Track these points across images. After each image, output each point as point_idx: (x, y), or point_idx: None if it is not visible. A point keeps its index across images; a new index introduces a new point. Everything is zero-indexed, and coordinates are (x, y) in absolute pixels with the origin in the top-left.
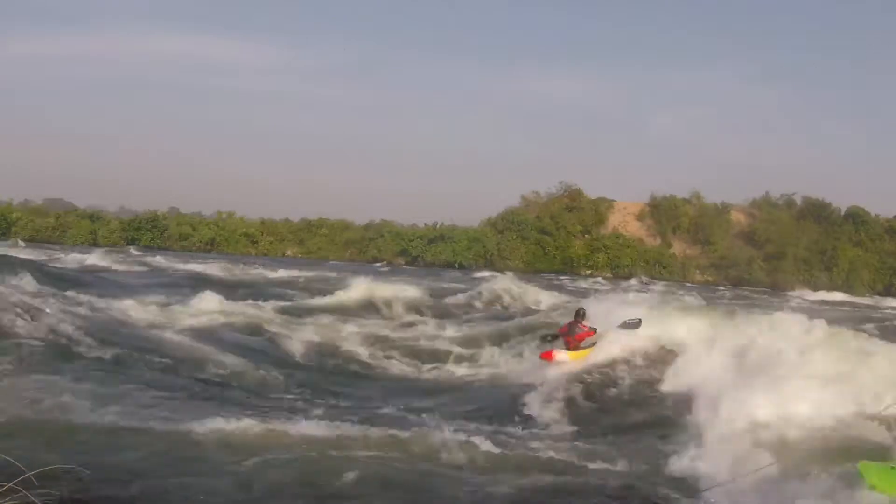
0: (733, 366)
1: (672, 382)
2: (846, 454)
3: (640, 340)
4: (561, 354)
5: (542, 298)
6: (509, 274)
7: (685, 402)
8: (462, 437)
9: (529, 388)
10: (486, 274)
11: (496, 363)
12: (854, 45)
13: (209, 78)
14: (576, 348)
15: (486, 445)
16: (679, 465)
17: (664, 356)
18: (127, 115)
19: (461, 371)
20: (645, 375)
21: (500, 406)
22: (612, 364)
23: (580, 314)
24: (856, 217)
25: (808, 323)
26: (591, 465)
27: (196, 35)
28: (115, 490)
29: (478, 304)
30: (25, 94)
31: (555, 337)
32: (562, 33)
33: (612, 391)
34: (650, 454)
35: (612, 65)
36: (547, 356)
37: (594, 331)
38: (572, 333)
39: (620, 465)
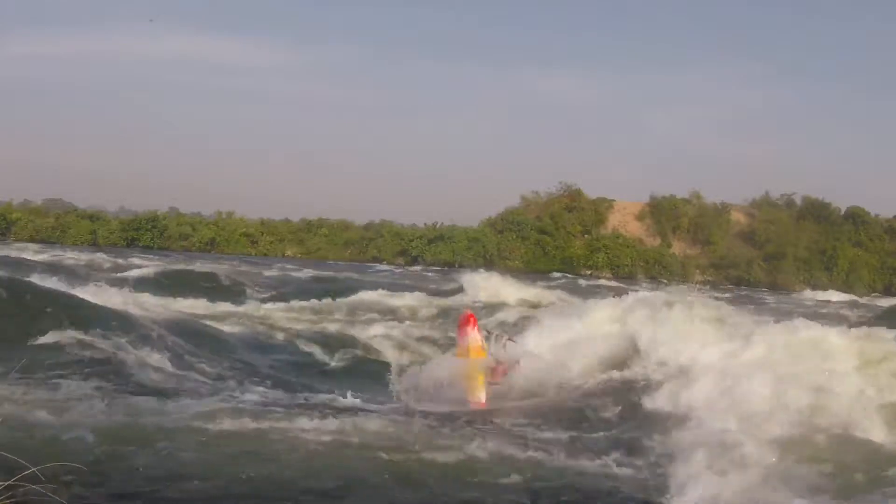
0: None
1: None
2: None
3: None
4: None
5: None
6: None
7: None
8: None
9: None
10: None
11: None
12: (854, 45)
13: (209, 78)
14: None
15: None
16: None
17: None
18: (127, 115)
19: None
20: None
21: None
22: None
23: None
24: (856, 217)
25: None
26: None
27: (196, 35)
28: (120, 487)
29: None
30: (25, 94)
31: None
32: (562, 33)
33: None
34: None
35: (612, 65)
36: None
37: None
38: None
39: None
